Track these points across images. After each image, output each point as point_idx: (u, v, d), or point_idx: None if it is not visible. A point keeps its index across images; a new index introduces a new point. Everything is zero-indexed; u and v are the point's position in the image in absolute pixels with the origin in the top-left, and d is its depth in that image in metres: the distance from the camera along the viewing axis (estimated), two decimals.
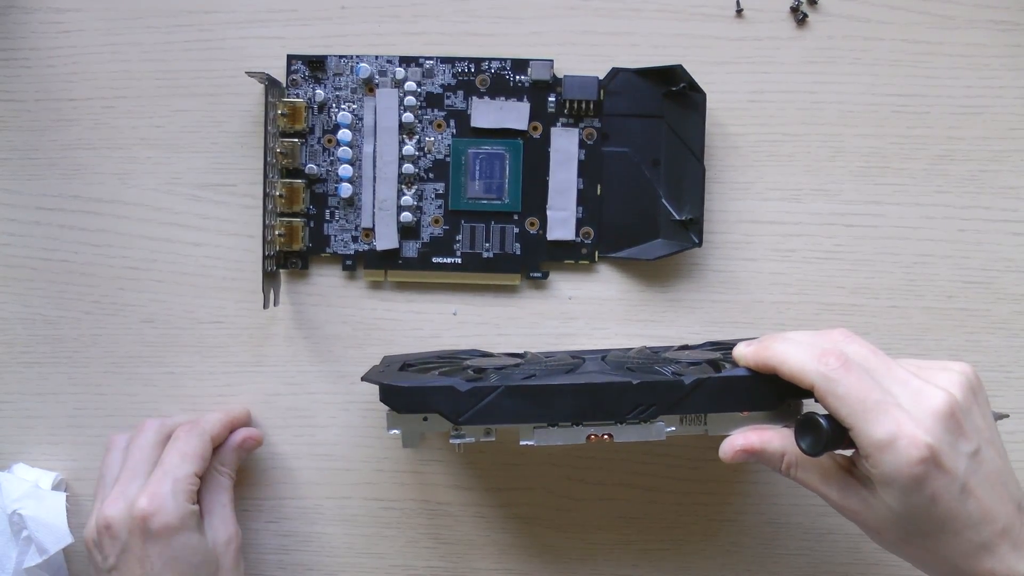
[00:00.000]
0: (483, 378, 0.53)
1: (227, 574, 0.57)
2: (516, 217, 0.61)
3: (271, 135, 0.60)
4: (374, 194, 0.61)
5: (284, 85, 0.61)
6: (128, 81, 0.62)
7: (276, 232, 0.61)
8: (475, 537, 0.63)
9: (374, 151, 0.61)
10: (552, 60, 0.61)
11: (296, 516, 0.63)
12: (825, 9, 0.61)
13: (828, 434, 0.47)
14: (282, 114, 0.61)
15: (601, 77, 0.61)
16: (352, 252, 0.62)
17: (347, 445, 0.63)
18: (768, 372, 0.50)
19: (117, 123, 0.62)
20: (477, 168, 0.61)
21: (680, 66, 0.60)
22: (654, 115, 0.61)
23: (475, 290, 0.62)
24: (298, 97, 0.61)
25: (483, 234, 0.61)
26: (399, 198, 0.61)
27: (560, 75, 0.61)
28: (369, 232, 0.62)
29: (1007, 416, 0.55)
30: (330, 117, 0.61)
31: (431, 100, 0.61)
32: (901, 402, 0.47)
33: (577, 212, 0.61)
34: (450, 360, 0.58)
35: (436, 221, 0.62)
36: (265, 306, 0.59)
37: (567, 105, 0.61)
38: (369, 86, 0.61)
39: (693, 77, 0.59)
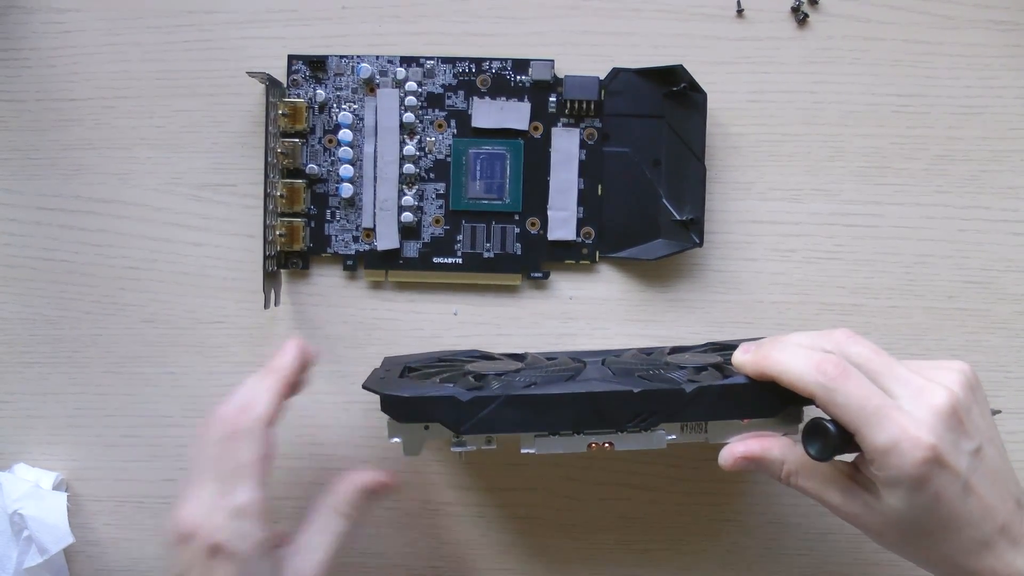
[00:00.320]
0: (484, 385, 0.53)
1: None
2: (517, 217, 0.61)
3: (272, 135, 0.60)
4: (375, 194, 0.61)
5: (285, 85, 0.61)
6: (128, 81, 0.62)
7: (277, 232, 0.61)
8: (475, 537, 0.63)
9: (375, 151, 0.61)
10: (553, 60, 0.61)
11: (296, 516, 0.62)
12: (825, 9, 0.61)
13: (836, 439, 0.48)
14: (283, 114, 0.61)
15: (602, 77, 0.61)
16: (353, 252, 0.62)
17: (347, 445, 0.63)
18: (768, 381, 0.50)
19: (117, 123, 0.62)
20: (478, 168, 0.61)
21: (681, 66, 0.60)
22: (655, 115, 0.61)
23: (476, 290, 0.62)
24: (299, 97, 0.61)
25: (484, 234, 0.61)
26: (400, 198, 0.61)
27: (561, 75, 0.61)
28: (370, 232, 0.62)
29: (999, 412, 0.56)
30: (331, 117, 0.61)
31: (432, 100, 0.61)
32: (903, 403, 0.47)
33: (578, 212, 0.61)
34: (451, 363, 0.58)
35: (437, 221, 0.62)
36: (266, 306, 0.59)
37: (568, 105, 0.61)
38: (370, 86, 0.61)
39: (694, 77, 0.60)
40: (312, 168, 0.61)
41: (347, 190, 0.61)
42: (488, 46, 0.61)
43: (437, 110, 0.61)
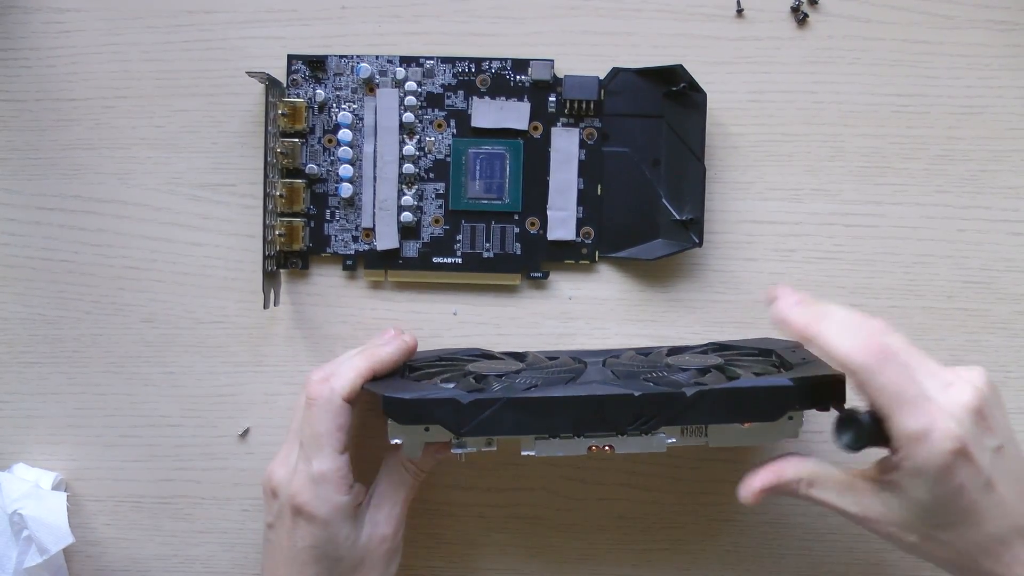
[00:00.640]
0: (485, 387, 0.53)
1: (369, 573, 0.56)
2: (516, 217, 0.61)
3: (271, 135, 0.60)
4: (374, 194, 0.61)
5: (284, 85, 0.61)
6: (128, 81, 0.62)
7: (276, 232, 0.61)
8: (475, 537, 0.63)
9: (374, 151, 0.61)
10: (552, 60, 0.61)
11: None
12: (825, 9, 0.61)
13: (868, 427, 0.49)
14: (282, 114, 0.61)
15: (601, 77, 0.61)
16: (352, 252, 0.62)
17: (352, 448, 0.62)
18: (805, 341, 0.50)
19: (117, 123, 0.62)
20: (477, 168, 0.61)
21: (680, 66, 0.60)
22: (654, 115, 0.61)
23: (475, 290, 0.62)
24: (298, 97, 0.61)
25: (483, 234, 0.61)
26: (399, 198, 0.61)
27: (560, 75, 0.61)
28: (369, 232, 0.62)
29: None
30: (330, 117, 0.61)
31: (431, 100, 0.61)
32: (932, 395, 0.48)
33: (577, 212, 0.61)
34: (452, 363, 0.58)
35: (436, 221, 0.62)
36: (265, 306, 0.59)
37: (567, 105, 0.61)
38: (370, 86, 0.61)
39: (693, 77, 0.60)
40: (312, 168, 0.61)
41: (347, 190, 0.61)
42: (488, 46, 0.61)
43: (437, 110, 0.61)
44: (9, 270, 0.63)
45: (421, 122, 0.61)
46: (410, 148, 0.61)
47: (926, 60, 0.61)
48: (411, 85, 0.61)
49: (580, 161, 0.61)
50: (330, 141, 0.61)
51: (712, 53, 0.61)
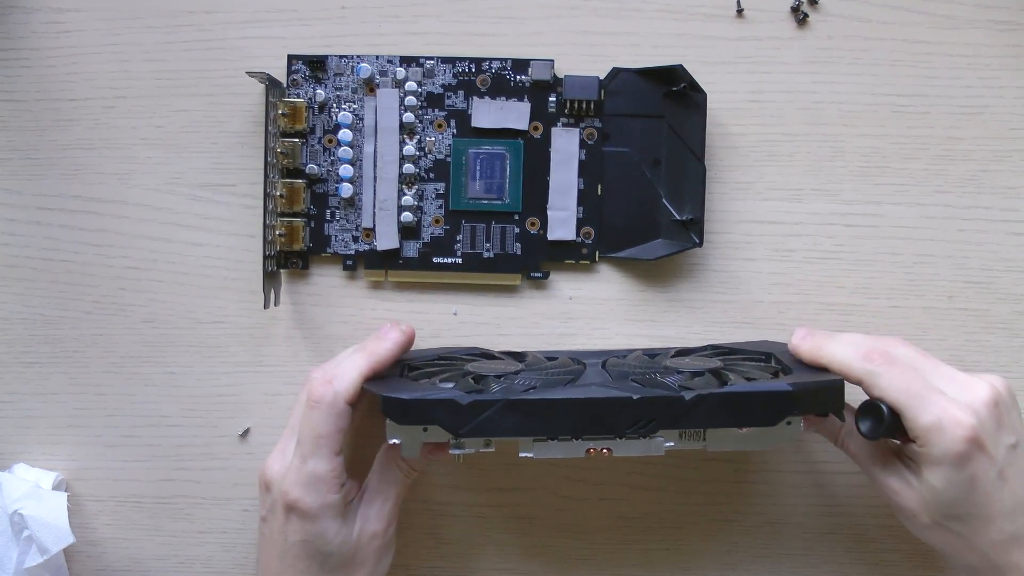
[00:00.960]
0: (484, 388, 0.53)
1: (360, 569, 0.56)
2: (517, 217, 0.61)
3: (272, 135, 0.60)
4: (375, 194, 0.61)
5: (285, 85, 0.61)
6: (128, 81, 0.62)
7: (277, 232, 0.61)
8: (475, 537, 0.63)
9: (375, 151, 0.61)
10: (553, 60, 0.61)
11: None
12: (825, 9, 0.61)
13: (888, 419, 0.51)
14: (283, 114, 0.61)
15: (602, 77, 0.61)
16: (352, 252, 0.62)
17: (347, 446, 0.62)
18: (818, 367, 0.54)
19: (117, 123, 0.62)
20: (478, 168, 0.61)
21: (680, 66, 0.60)
22: (654, 115, 0.61)
23: (475, 290, 0.62)
24: (299, 97, 0.61)
25: (484, 234, 0.61)
26: (400, 198, 0.61)
27: (561, 75, 0.61)
28: (369, 232, 0.62)
29: None
30: (331, 117, 0.61)
31: (432, 100, 0.61)
32: (945, 391, 0.51)
33: (577, 212, 0.61)
34: (451, 362, 0.58)
35: (437, 221, 0.62)
36: (265, 306, 0.59)
37: (568, 105, 0.61)
38: (370, 86, 0.61)
39: (693, 77, 0.60)
40: (312, 168, 0.61)
41: (347, 190, 0.61)
42: (488, 46, 0.61)
43: (437, 110, 0.61)
44: (9, 270, 0.63)
45: (421, 122, 0.61)
46: (410, 148, 0.61)
47: (926, 60, 0.61)
48: (411, 85, 0.61)
49: (580, 161, 0.61)
50: (330, 141, 0.61)
51: (712, 53, 0.61)
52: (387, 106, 0.61)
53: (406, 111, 0.61)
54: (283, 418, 0.62)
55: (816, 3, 0.61)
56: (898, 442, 0.53)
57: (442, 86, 0.61)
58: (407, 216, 0.61)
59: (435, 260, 0.62)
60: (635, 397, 0.51)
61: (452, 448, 0.53)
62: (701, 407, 0.51)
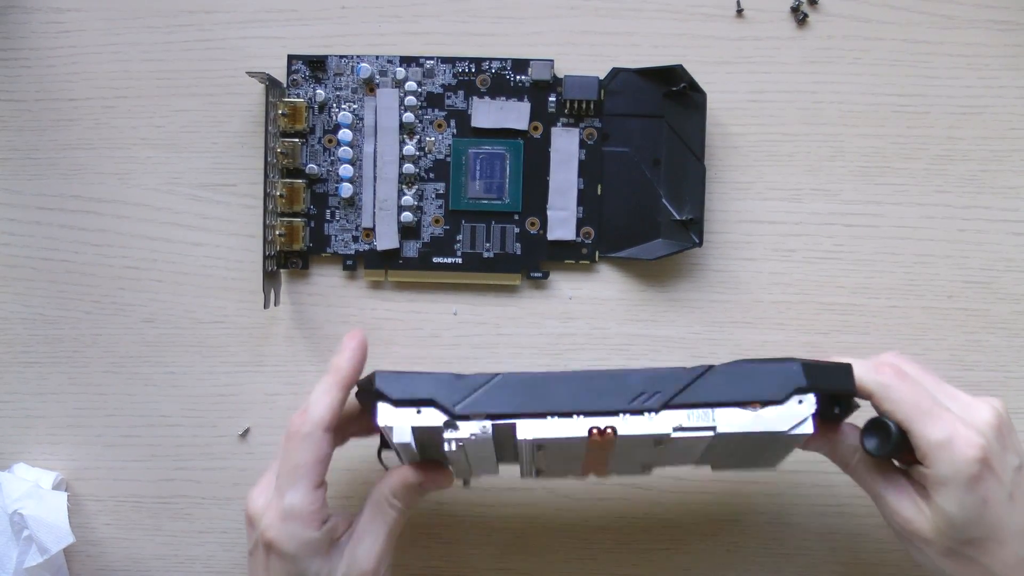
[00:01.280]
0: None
1: None
2: (516, 217, 0.61)
3: (271, 135, 0.60)
4: (374, 194, 0.61)
5: (285, 85, 0.61)
6: (128, 81, 0.62)
7: (277, 232, 0.61)
8: (475, 537, 0.63)
9: (375, 151, 0.61)
10: (552, 60, 0.61)
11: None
12: (825, 9, 0.61)
13: (895, 436, 0.50)
14: (283, 114, 0.61)
15: (601, 77, 0.61)
16: (352, 252, 0.62)
17: (347, 445, 0.62)
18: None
19: (117, 123, 0.62)
20: (477, 168, 0.61)
21: (680, 66, 0.60)
22: (654, 115, 0.61)
23: (475, 290, 0.62)
24: (299, 97, 0.61)
25: (483, 234, 0.61)
26: (399, 198, 0.61)
27: (560, 75, 0.61)
28: (369, 232, 0.62)
29: None
30: (331, 117, 0.61)
31: (431, 100, 0.61)
32: (952, 408, 0.50)
33: (577, 212, 0.61)
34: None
35: (436, 221, 0.62)
36: (265, 306, 0.59)
37: (567, 105, 0.61)
38: (370, 86, 0.61)
39: (693, 77, 0.60)
40: (312, 168, 0.61)
41: (347, 190, 0.61)
42: (488, 46, 0.61)
43: (437, 110, 0.61)
44: (9, 270, 0.63)
45: (421, 122, 0.61)
46: (410, 148, 0.61)
47: (926, 60, 0.61)
48: (411, 85, 0.61)
49: (580, 161, 0.61)
50: (330, 141, 0.61)
51: (712, 53, 0.61)
52: (387, 106, 0.61)
53: (406, 111, 0.61)
54: (283, 418, 0.62)
55: (816, 3, 0.61)
56: (903, 465, 0.52)
57: (442, 86, 0.61)
58: (407, 216, 0.61)
59: (435, 260, 0.62)
60: (635, 369, 0.50)
61: (446, 435, 0.50)
62: (706, 380, 0.50)
